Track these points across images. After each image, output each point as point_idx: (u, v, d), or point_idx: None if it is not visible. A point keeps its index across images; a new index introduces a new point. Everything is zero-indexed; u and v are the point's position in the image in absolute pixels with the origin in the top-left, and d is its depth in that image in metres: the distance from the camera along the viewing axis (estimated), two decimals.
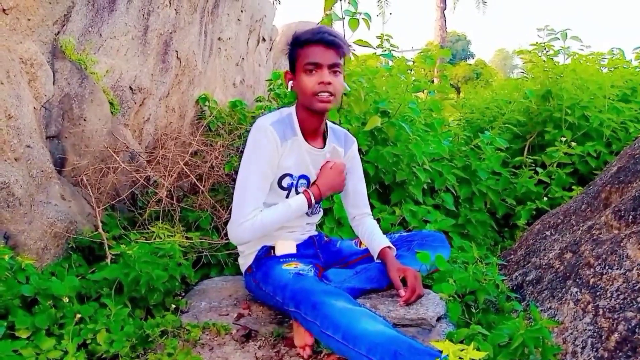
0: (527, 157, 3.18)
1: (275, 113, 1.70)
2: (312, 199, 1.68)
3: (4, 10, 1.61)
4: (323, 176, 1.73)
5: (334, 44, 1.58)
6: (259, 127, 1.62)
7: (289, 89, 1.71)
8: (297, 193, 1.72)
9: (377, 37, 2.75)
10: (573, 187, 2.87)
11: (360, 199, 1.90)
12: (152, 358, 1.37)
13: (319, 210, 1.90)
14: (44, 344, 1.30)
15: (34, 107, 1.78)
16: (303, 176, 1.72)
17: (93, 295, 1.58)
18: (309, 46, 1.58)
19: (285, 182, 1.68)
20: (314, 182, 1.73)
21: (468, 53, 39.08)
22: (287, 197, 1.70)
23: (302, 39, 1.60)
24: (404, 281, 1.65)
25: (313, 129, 1.71)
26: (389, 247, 1.75)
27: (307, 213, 1.77)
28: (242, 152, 2.70)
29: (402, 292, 1.62)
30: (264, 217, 1.59)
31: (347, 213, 1.94)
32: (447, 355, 1.08)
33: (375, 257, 1.77)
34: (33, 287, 1.40)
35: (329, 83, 1.57)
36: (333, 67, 1.59)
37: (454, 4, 21.86)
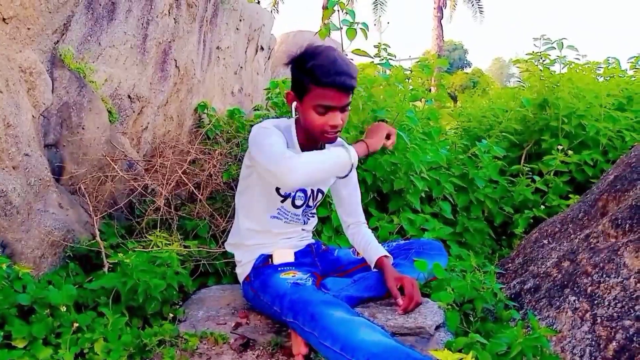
0: (524, 166, 3.19)
1: (273, 121, 1.66)
2: (353, 156, 1.51)
3: (4, 19, 1.62)
4: (371, 134, 1.62)
5: (352, 88, 1.51)
6: (266, 125, 1.58)
7: (293, 113, 1.63)
8: (294, 205, 1.73)
9: (374, 46, 2.77)
10: (570, 195, 2.88)
11: (354, 207, 1.90)
12: None
13: (314, 216, 1.90)
14: (41, 353, 1.29)
15: (33, 116, 1.79)
16: (301, 189, 1.72)
17: (90, 304, 1.58)
18: (328, 88, 1.48)
19: (283, 190, 1.68)
20: (360, 140, 1.59)
21: (465, 62, 39.28)
22: (282, 202, 1.71)
23: (322, 80, 1.47)
24: (401, 290, 1.65)
25: (312, 144, 1.70)
26: (385, 256, 1.75)
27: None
28: (239, 160, 2.72)
29: (399, 301, 1.62)
30: (306, 154, 1.47)
31: (341, 222, 1.94)
32: None
33: (372, 267, 1.77)
34: (30, 296, 1.40)
35: (339, 124, 1.55)
36: (345, 108, 1.55)
37: (450, 14, 22.06)
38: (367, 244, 1.81)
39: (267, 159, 1.47)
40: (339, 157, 1.50)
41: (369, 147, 1.57)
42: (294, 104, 1.60)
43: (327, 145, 1.67)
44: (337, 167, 1.51)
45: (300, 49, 1.56)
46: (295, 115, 1.64)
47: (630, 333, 1.38)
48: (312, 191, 1.77)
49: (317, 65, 1.47)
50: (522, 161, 3.32)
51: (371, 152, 1.59)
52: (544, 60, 3.65)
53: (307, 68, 1.49)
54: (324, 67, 1.47)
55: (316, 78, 1.47)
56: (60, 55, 1.96)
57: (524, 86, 4.12)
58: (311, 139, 1.66)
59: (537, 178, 2.99)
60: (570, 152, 2.99)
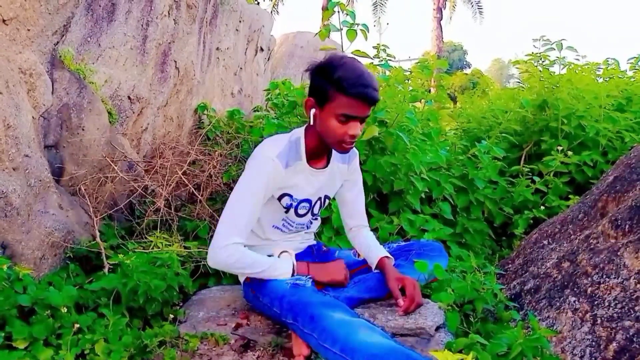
0: (524, 166, 3.19)
1: (282, 140, 1.64)
2: (294, 271, 1.60)
3: (4, 20, 1.62)
4: (322, 267, 1.69)
5: (376, 101, 1.53)
6: (264, 156, 1.57)
7: (312, 120, 1.60)
8: (297, 214, 1.72)
9: (373, 47, 2.77)
10: (570, 196, 2.88)
11: (358, 211, 1.90)
12: None
13: (317, 219, 1.90)
14: (41, 354, 1.29)
15: (33, 117, 1.79)
16: (305, 200, 1.71)
17: (91, 305, 1.58)
18: (354, 99, 1.48)
19: (284, 201, 1.66)
20: (307, 265, 1.66)
21: (464, 63, 39.33)
22: (286, 212, 1.70)
23: (349, 90, 1.47)
24: (402, 291, 1.65)
25: (320, 153, 1.69)
26: (386, 257, 1.75)
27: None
28: (239, 161, 2.72)
29: (400, 301, 1.62)
30: (250, 253, 1.56)
31: (343, 223, 1.94)
32: None
33: (373, 268, 1.77)
34: (30, 297, 1.40)
35: (358, 134, 1.56)
36: (365, 119, 1.57)
37: (450, 15, 22.09)
38: (368, 245, 1.81)
39: (221, 224, 1.54)
40: (278, 276, 1.58)
41: (310, 270, 1.64)
42: (313, 110, 1.58)
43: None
44: (272, 271, 1.58)
45: (325, 58, 1.57)
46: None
47: (631, 334, 1.38)
48: (320, 199, 1.76)
49: (345, 77, 1.48)
50: (522, 162, 3.32)
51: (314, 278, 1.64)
52: (543, 61, 3.65)
53: (333, 77, 1.49)
54: (352, 79, 1.48)
55: (343, 88, 1.48)
56: (60, 56, 1.96)
57: (523, 87, 4.13)
58: (322, 147, 1.65)
59: (536, 179, 2.99)
60: (569, 152, 3.00)
